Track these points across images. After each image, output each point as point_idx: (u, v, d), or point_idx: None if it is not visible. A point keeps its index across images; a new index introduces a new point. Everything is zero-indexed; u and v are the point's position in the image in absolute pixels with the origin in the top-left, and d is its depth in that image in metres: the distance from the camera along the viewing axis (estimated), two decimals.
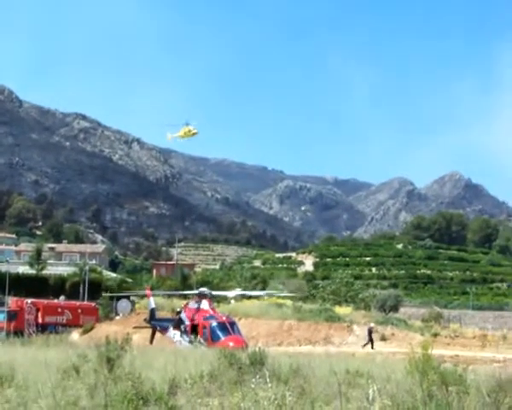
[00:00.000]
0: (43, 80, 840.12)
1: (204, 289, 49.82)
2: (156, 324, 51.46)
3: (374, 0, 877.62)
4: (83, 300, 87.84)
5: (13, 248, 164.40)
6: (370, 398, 14.14)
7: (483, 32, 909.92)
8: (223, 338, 41.95)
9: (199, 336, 43.01)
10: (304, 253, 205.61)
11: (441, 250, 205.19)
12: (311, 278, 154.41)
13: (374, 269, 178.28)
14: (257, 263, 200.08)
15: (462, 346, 61.35)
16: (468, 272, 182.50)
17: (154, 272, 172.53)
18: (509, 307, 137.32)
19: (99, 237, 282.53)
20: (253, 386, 15.34)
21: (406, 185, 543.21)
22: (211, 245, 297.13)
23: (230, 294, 71.10)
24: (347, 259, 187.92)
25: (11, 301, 75.26)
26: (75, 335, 66.16)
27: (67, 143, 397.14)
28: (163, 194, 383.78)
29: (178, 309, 50.74)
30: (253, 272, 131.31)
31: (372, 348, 57.32)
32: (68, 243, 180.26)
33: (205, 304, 45.83)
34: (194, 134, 55.06)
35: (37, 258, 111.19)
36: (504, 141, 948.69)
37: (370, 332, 60.60)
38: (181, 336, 45.77)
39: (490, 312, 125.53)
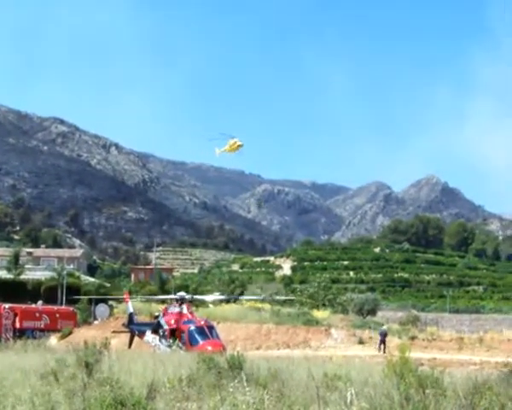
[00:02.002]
0: (21, 84, 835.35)
1: (183, 294, 49.80)
2: (135, 328, 51.38)
3: (350, 2, 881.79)
4: (61, 304, 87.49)
5: None
6: (348, 401, 14.24)
7: (457, 35, 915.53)
8: (201, 342, 41.95)
9: (177, 341, 43.00)
10: (282, 257, 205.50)
11: (418, 254, 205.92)
12: (289, 282, 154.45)
13: (351, 273, 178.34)
14: (235, 267, 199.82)
15: (440, 349, 61.70)
16: (444, 276, 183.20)
17: (133, 276, 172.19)
18: (486, 310, 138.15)
19: (77, 242, 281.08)
20: (231, 390, 15.39)
21: (383, 189, 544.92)
22: (189, 249, 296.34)
23: (209, 298, 71.09)
24: (325, 263, 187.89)
25: None
26: (53, 340, 65.86)
27: (45, 148, 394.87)
28: (141, 198, 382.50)
29: (157, 313, 50.73)
30: (232, 276, 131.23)
31: (384, 351, 55.81)
32: (46, 247, 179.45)
33: (183, 308, 45.82)
34: (239, 146, 54.06)
35: (14, 263, 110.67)
36: (480, 145, 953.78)
37: (385, 335, 59.91)
38: (159, 340, 45.75)
39: (466, 315, 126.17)
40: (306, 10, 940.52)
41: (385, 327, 63.82)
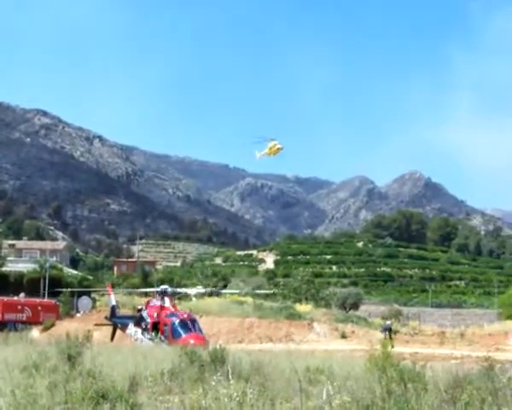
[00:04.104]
0: (3, 75, 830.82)
1: (166, 287, 49.68)
2: (117, 321, 51.25)
3: None
4: (43, 297, 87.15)
5: None
6: (325, 395, 14.25)
7: (436, 30, 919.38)
8: (184, 335, 41.81)
9: (160, 334, 42.92)
10: (265, 251, 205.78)
11: (401, 249, 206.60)
12: (272, 276, 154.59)
13: (334, 267, 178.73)
14: (218, 261, 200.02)
15: (422, 343, 61.84)
16: (427, 270, 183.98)
17: (115, 269, 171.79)
18: (467, 305, 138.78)
19: (60, 234, 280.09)
20: (213, 383, 15.40)
21: (367, 184, 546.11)
22: (172, 242, 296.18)
23: (192, 291, 70.99)
24: (308, 257, 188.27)
25: None
26: (35, 332, 65.56)
27: (28, 140, 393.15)
28: (124, 191, 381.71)
29: (139, 307, 50.60)
30: (215, 270, 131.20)
31: (392, 346, 53.31)
32: (28, 239, 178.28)
33: (166, 301, 45.71)
34: (279, 149, 53.31)
35: None
36: (462, 140, 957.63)
37: (389, 330, 58.53)
38: (142, 333, 45.62)
39: (448, 309, 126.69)
40: (282, 7, 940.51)
41: (389, 322, 63.46)
